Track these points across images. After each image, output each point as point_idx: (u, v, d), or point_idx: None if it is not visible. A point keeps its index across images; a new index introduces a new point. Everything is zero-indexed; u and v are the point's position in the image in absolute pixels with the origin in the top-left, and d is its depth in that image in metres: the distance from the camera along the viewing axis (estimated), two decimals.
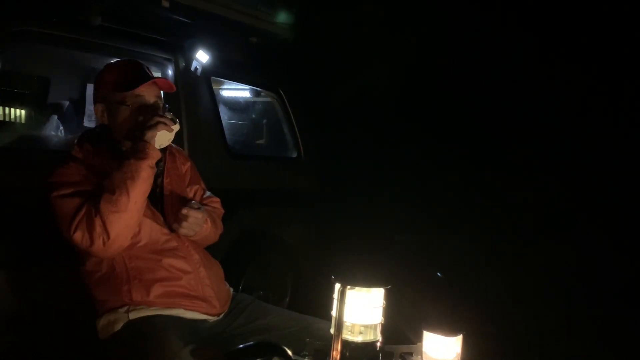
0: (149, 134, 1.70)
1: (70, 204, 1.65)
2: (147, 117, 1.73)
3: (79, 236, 1.61)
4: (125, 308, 1.72)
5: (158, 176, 1.87)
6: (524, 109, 4.43)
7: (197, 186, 2.02)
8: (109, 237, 1.62)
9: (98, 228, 1.60)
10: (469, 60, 4.51)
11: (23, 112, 3.19)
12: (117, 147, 1.82)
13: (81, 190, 1.68)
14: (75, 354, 2.00)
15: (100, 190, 1.66)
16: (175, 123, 1.76)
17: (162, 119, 1.72)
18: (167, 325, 1.66)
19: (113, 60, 1.97)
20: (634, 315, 3.26)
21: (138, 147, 1.69)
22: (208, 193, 2.06)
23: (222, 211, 2.08)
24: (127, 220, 1.65)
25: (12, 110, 3.16)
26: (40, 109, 3.16)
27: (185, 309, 1.76)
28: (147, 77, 1.82)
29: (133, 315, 1.70)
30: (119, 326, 1.70)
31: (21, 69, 3.07)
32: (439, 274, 3.56)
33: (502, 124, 4.51)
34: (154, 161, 1.71)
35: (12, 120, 3.18)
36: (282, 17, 3.24)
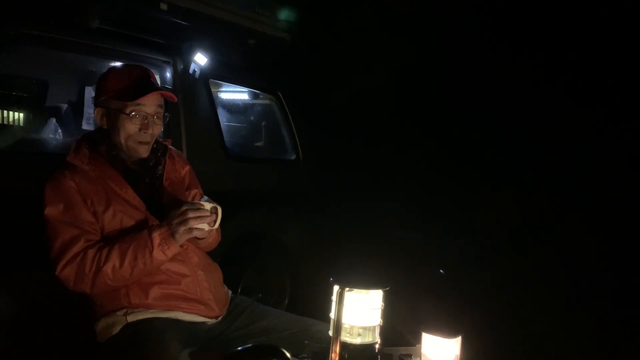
0: (181, 236, 1.66)
1: (63, 234, 1.66)
2: (185, 210, 1.64)
3: (64, 276, 1.64)
4: (124, 311, 1.72)
5: (157, 180, 1.87)
6: (525, 109, 4.43)
7: (195, 190, 2.02)
8: (90, 291, 1.67)
9: (87, 283, 1.64)
10: (469, 61, 4.52)
11: (21, 115, 3.19)
12: (113, 153, 1.81)
13: (75, 214, 1.68)
14: (74, 358, 2.00)
15: (98, 223, 1.71)
16: (214, 223, 1.69)
17: (196, 215, 1.65)
18: (165, 328, 1.66)
19: (116, 64, 1.95)
20: (631, 317, 3.27)
21: (164, 236, 1.64)
22: (206, 197, 2.05)
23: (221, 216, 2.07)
24: (115, 287, 1.69)
25: (11, 113, 3.15)
26: (38, 111, 3.16)
27: (183, 312, 1.76)
28: (149, 88, 1.79)
29: (131, 318, 1.70)
30: (117, 329, 1.70)
31: (19, 72, 3.06)
32: (441, 270, 3.57)
33: (502, 124, 4.52)
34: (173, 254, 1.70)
35: (11, 123, 3.17)
36: (281, 19, 3.25)
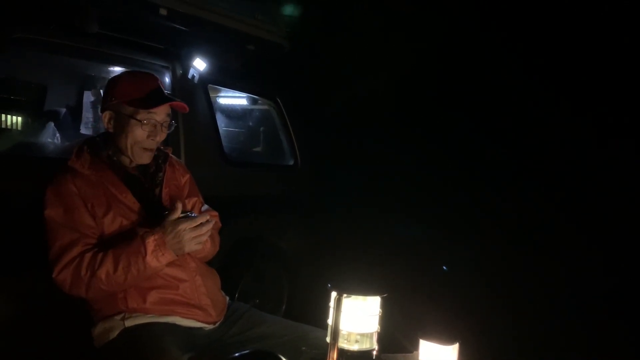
0: (192, 246, 1.69)
1: (63, 237, 1.67)
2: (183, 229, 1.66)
3: (60, 279, 1.64)
4: (121, 315, 1.71)
5: (156, 186, 1.88)
6: (526, 109, 4.43)
7: (195, 198, 2.03)
8: (86, 295, 1.68)
9: (82, 287, 1.65)
10: (469, 62, 4.51)
11: (20, 118, 3.19)
12: (114, 158, 1.83)
13: (75, 218, 1.69)
14: None
15: (95, 224, 1.71)
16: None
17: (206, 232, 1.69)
18: (164, 333, 1.66)
19: (127, 70, 1.96)
20: (632, 321, 3.26)
21: (158, 242, 1.65)
22: (206, 206, 2.06)
23: (220, 225, 2.08)
24: (110, 292, 1.69)
25: (9, 116, 3.16)
26: (37, 115, 3.16)
27: (181, 317, 1.76)
28: (164, 98, 1.83)
29: (129, 323, 1.70)
30: (114, 334, 1.70)
31: (18, 76, 3.07)
32: (444, 267, 3.56)
33: (503, 124, 4.51)
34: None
35: (9, 126, 3.18)
36: (280, 25, 3.25)
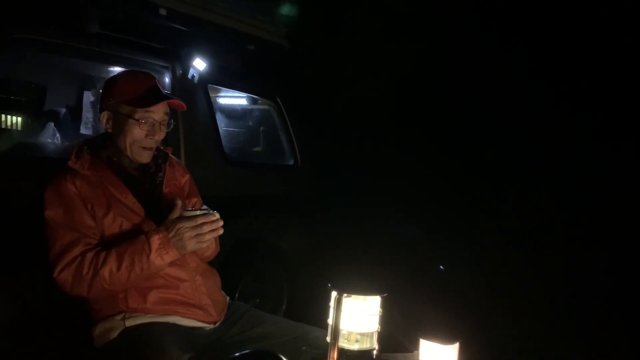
0: (193, 245, 1.67)
1: (63, 237, 1.67)
2: (200, 224, 1.65)
3: (62, 279, 1.63)
4: (122, 315, 1.71)
5: (156, 186, 1.89)
6: (526, 110, 4.42)
7: (195, 199, 2.04)
8: (87, 295, 1.66)
9: (84, 286, 1.64)
10: (469, 62, 4.51)
11: (20, 118, 3.19)
12: (114, 159, 1.83)
13: (75, 218, 1.69)
14: None
15: (96, 226, 1.71)
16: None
17: (215, 228, 1.67)
18: (164, 333, 1.66)
19: (124, 70, 1.96)
20: (630, 323, 3.25)
21: (162, 240, 1.64)
22: (205, 207, 2.06)
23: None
24: (112, 291, 1.68)
25: (9, 116, 3.16)
26: (37, 115, 3.16)
27: (181, 317, 1.76)
28: (161, 96, 1.83)
29: (129, 323, 1.70)
30: (115, 334, 1.70)
31: (18, 76, 3.07)
32: (441, 267, 3.55)
33: (503, 124, 4.51)
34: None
35: (9, 126, 3.18)
36: (280, 25, 3.25)
